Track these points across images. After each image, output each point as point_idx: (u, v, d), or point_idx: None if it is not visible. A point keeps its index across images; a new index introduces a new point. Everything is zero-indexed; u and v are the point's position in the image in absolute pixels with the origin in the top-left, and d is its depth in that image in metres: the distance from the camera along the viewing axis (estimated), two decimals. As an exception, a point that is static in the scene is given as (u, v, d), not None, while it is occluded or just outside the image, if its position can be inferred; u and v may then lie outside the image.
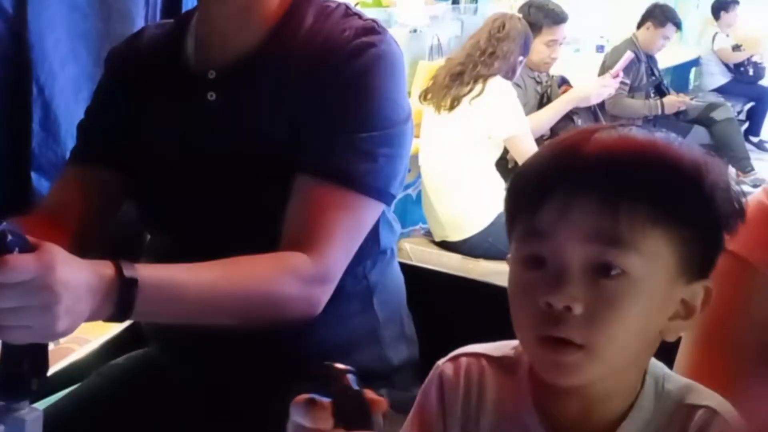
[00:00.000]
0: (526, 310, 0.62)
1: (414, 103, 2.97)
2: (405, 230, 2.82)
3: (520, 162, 2.92)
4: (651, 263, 0.59)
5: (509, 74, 2.55)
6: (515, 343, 0.69)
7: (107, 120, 1.05)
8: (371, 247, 0.99)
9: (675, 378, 0.68)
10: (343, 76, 0.91)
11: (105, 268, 0.74)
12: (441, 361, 0.75)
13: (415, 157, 3.04)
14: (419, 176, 2.87)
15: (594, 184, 0.59)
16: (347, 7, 0.96)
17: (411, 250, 2.54)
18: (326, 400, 0.56)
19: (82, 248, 1.00)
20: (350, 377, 0.57)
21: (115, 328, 1.27)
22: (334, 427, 0.56)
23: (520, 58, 2.62)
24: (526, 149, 2.54)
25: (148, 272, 0.77)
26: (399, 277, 1.12)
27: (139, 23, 1.46)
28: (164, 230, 1.04)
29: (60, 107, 1.35)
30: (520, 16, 2.75)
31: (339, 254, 0.89)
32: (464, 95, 2.43)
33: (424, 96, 2.58)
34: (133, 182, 1.03)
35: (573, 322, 0.59)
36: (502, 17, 2.63)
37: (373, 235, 0.97)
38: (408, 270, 1.15)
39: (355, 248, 0.92)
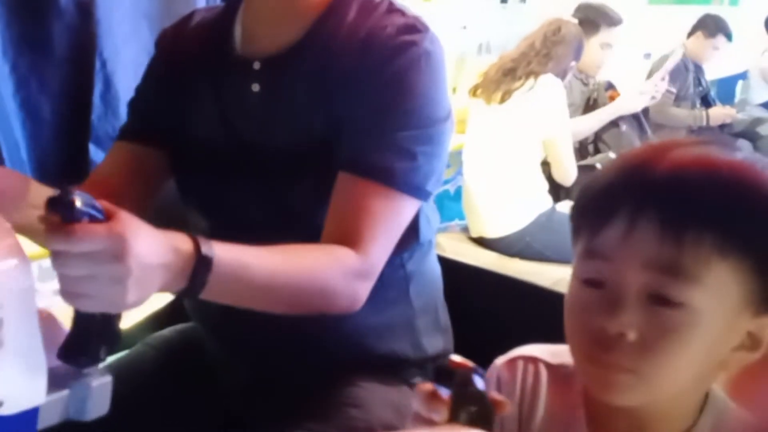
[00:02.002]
0: (579, 329, 0.61)
1: (461, 99, 2.98)
2: (441, 225, 2.82)
3: (554, 165, 2.89)
4: (714, 296, 0.56)
5: (560, 77, 2.54)
6: None
7: (155, 100, 1.07)
8: (410, 239, 0.99)
9: (738, 412, 0.66)
10: (385, 74, 0.90)
11: (183, 243, 0.73)
12: (498, 361, 0.74)
13: (454, 153, 3.05)
14: (458, 172, 2.87)
15: (660, 208, 0.56)
16: (391, 3, 0.96)
17: (447, 245, 2.55)
18: (446, 394, 0.56)
19: None
20: (475, 376, 0.56)
21: (162, 301, 1.31)
22: (450, 421, 0.55)
23: (573, 62, 2.62)
24: (562, 154, 2.54)
25: (222, 251, 0.76)
26: (436, 269, 1.13)
27: (201, 4, 1.49)
28: (200, 212, 1.05)
29: (120, 82, 1.38)
30: (576, 21, 2.72)
31: (381, 250, 0.91)
32: (516, 89, 2.43)
33: (473, 91, 2.57)
34: (176, 162, 1.05)
35: (625, 348, 0.57)
36: (558, 21, 2.62)
37: (413, 227, 0.97)
38: (443, 263, 1.15)
39: (394, 244, 0.93)
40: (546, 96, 2.44)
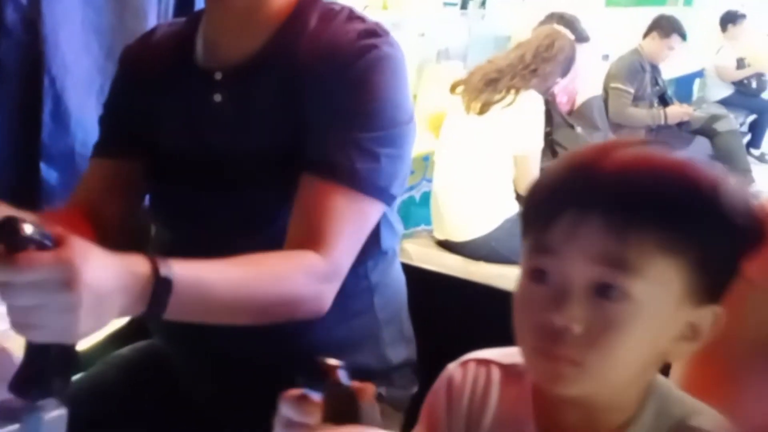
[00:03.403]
0: (527, 322, 0.62)
1: (433, 105, 2.97)
2: (407, 231, 2.83)
3: (521, 179, 2.87)
4: (656, 288, 0.58)
5: (542, 93, 2.53)
6: None
7: (124, 114, 1.07)
8: (372, 248, 1.00)
9: (682, 398, 0.67)
10: (347, 77, 0.91)
11: (139, 266, 0.71)
12: (451, 365, 0.75)
13: (419, 159, 3.05)
14: (423, 178, 2.88)
15: (604, 205, 0.58)
16: (351, 11, 0.97)
17: (413, 251, 2.55)
18: (316, 396, 0.56)
19: (111, 241, 1.01)
20: (340, 372, 0.56)
21: (121, 320, 1.28)
22: (324, 422, 0.56)
23: (558, 79, 2.61)
24: (532, 169, 2.50)
25: (181, 270, 0.74)
26: (400, 278, 1.13)
27: (152, 19, 1.48)
28: (170, 223, 1.05)
29: (71, 99, 1.36)
30: (573, 37, 2.70)
31: (345, 251, 0.90)
32: (495, 102, 2.42)
33: (454, 88, 2.56)
34: (148, 173, 1.05)
35: (571, 341, 0.58)
36: (553, 35, 2.60)
37: (374, 235, 0.97)
38: (409, 271, 1.16)
39: (359, 247, 0.93)
40: (524, 113, 2.44)
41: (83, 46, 1.37)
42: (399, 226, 1.09)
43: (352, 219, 0.91)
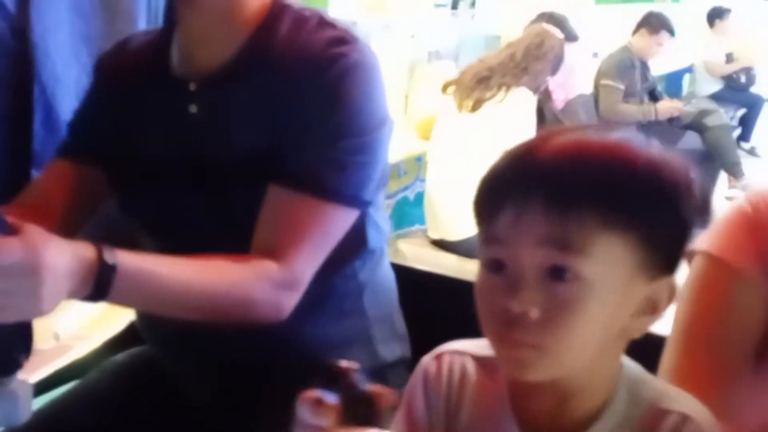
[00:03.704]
0: (487, 311, 0.63)
1: (424, 108, 2.98)
2: (402, 231, 2.83)
3: None
4: (605, 266, 0.59)
5: (533, 91, 2.55)
6: None
7: (96, 122, 1.07)
8: (359, 248, 1.00)
9: (652, 381, 0.69)
10: (316, 87, 0.91)
11: (86, 251, 0.76)
12: (425, 358, 0.76)
13: (412, 160, 3.06)
14: (417, 178, 2.89)
15: (544, 189, 0.60)
16: (321, 17, 0.97)
17: (408, 251, 2.55)
18: (332, 400, 0.56)
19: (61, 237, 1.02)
20: (356, 375, 0.57)
21: (117, 327, 1.29)
22: (341, 425, 0.56)
23: (548, 77, 2.63)
24: None
25: (127, 260, 0.79)
26: (390, 276, 1.14)
27: (141, 25, 1.47)
28: (144, 231, 1.05)
29: (62, 107, 1.35)
30: (562, 36, 2.72)
31: (306, 262, 0.91)
32: (487, 99, 2.44)
33: (445, 87, 2.57)
34: (115, 181, 1.05)
35: (529, 325, 0.59)
36: (542, 34, 2.62)
37: (360, 236, 0.98)
38: (400, 270, 1.16)
39: (324, 254, 0.93)
40: (516, 110, 2.45)
41: (73, 54, 1.36)
42: (386, 225, 1.09)
43: (317, 229, 0.92)
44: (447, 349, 0.75)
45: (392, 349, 1.09)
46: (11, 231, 0.69)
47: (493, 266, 0.63)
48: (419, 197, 2.90)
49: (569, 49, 2.93)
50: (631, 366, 0.68)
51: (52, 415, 1.05)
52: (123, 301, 0.82)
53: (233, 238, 0.93)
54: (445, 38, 3.71)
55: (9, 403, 0.69)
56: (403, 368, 1.12)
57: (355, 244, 0.96)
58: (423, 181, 2.77)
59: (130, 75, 1.04)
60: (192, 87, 0.98)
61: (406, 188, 3.15)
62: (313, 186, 0.91)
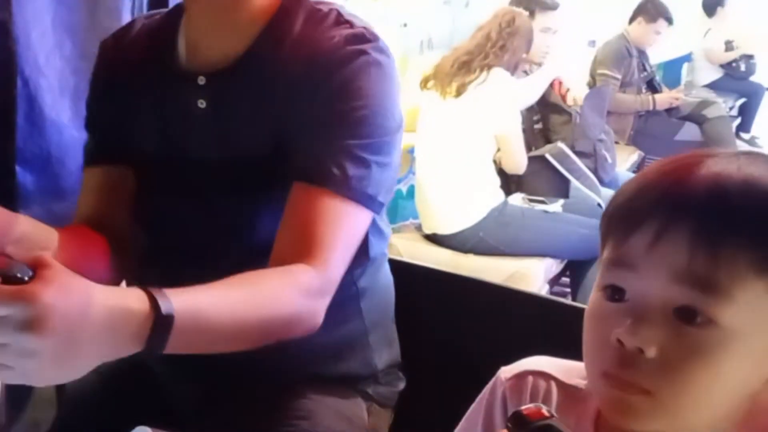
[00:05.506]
0: (597, 342, 0.56)
1: (407, 98, 2.96)
2: (395, 225, 2.81)
3: (506, 158, 2.91)
4: (748, 316, 0.52)
5: (511, 70, 2.55)
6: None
7: (108, 117, 1.04)
8: (361, 256, 0.97)
9: None
10: (333, 83, 0.89)
11: (135, 302, 0.64)
12: (505, 375, 0.70)
13: (404, 152, 3.03)
14: (410, 171, 2.86)
15: (693, 218, 0.52)
16: (339, 13, 0.94)
17: (401, 245, 2.53)
18: None
19: (124, 250, 0.98)
20: (557, 425, 0.50)
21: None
22: None
23: (524, 54, 2.63)
24: (515, 147, 2.55)
25: (180, 304, 0.68)
26: (388, 280, 1.12)
27: (126, 16, 1.45)
28: (149, 228, 1.02)
29: (45, 101, 1.33)
30: (527, 13, 2.74)
31: (339, 264, 0.88)
32: (470, 82, 2.43)
33: (424, 83, 2.56)
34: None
35: (644, 365, 0.53)
36: (511, 12, 2.63)
37: (363, 244, 0.95)
38: (398, 266, 1.15)
39: (351, 256, 0.90)
40: (497, 89, 2.44)
41: (56, 46, 1.34)
42: (387, 229, 1.08)
43: (345, 228, 0.89)
44: (530, 368, 0.69)
45: (384, 355, 1.08)
46: (31, 276, 0.57)
47: (613, 293, 0.56)
48: (412, 190, 2.88)
49: (555, 21, 2.93)
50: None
51: (38, 417, 1.03)
52: (175, 350, 0.69)
53: (239, 236, 0.92)
54: (438, 27, 3.69)
55: None
56: (394, 370, 1.12)
57: (357, 252, 0.92)
58: (416, 173, 2.75)
59: (133, 62, 1.01)
60: (201, 81, 0.95)
61: (399, 181, 3.12)
62: (341, 184, 0.87)
